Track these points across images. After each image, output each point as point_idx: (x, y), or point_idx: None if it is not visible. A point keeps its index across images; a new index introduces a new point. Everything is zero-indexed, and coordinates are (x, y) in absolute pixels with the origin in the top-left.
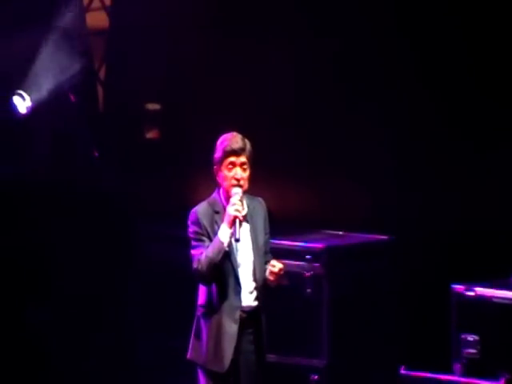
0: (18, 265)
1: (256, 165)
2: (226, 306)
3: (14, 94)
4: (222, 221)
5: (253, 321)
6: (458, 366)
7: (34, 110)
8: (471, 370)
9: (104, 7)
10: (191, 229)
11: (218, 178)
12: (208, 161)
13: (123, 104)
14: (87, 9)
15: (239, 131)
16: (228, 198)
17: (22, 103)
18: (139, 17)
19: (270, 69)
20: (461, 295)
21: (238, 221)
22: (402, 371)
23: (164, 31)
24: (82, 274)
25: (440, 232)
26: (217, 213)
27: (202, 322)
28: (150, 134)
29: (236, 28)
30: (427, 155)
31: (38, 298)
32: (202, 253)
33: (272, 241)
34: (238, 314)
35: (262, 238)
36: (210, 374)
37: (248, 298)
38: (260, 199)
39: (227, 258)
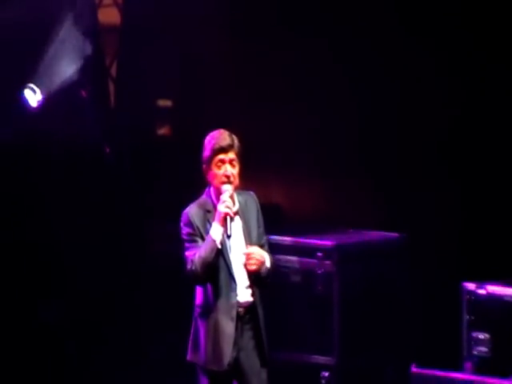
0: (31, 260)
1: (268, 162)
2: (223, 304)
3: (24, 88)
4: (214, 219)
5: (251, 316)
6: (468, 364)
7: (44, 104)
8: (482, 368)
9: (116, 3)
10: (184, 231)
11: (207, 177)
12: None
13: (135, 100)
14: (99, 5)
15: (250, 128)
16: (219, 196)
17: (33, 97)
18: (151, 13)
19: (282, 63)
20: (472, 293)
21: (228, 218)
22: (413, 369)
23: (176, 27)
24: (95, 270)
25: (451, 230)
26: (208, 212)
27: (200, 322)
28: (162, 131)
29: (247, 25)
30: (439, 153)
31: (50, 294)
32: (195, 254)
33: (283, 238)
34: (234, 311)
35: (255, 233)
36: (210, 375)
37: (244, 293)
38: (251, 193)
39: (221, 255)
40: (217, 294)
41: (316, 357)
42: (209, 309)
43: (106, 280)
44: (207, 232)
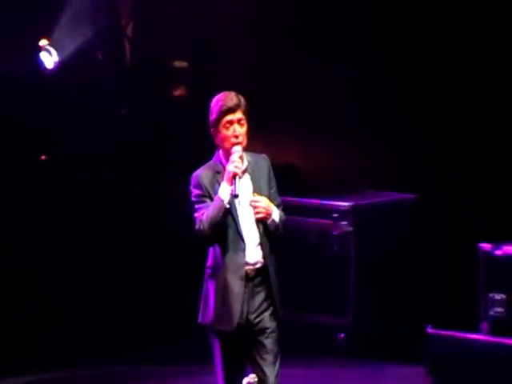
0: (45, 223)
1: (285, 123)
2: (231, 263)
3: (41, 50)
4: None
5: (262, 279)
6: (485, 325)
7: (61, 66)
8: (498, 328)
9: None
10: (193, 192)
11: (216, 140)
12: None
13: (150, 61)
14: None
15: (266, 89)
16: (228, 157)
17: (50, 58)
18: None
19: (295, 24)
20: (488, 254)
21: (237, 177)
22: (429, 330)
23: None
24: (110, 231)
25: (467, 190)
26: (218, 173)
27: (209, 282)
28: (177, 92)
29: None
30: (453, 114)
31: (64, 256)
32: (203, 214)
33: (300, 199)
34: (243, 270)
35: (265, 193)
36: (221, 336)
37: (253, 254)
38: (264, 156)
39: (229, 215)
40: (225, 253)
41: (332, 317)
42: (218, 269)
43: (121, 241)
44: (216, 193)
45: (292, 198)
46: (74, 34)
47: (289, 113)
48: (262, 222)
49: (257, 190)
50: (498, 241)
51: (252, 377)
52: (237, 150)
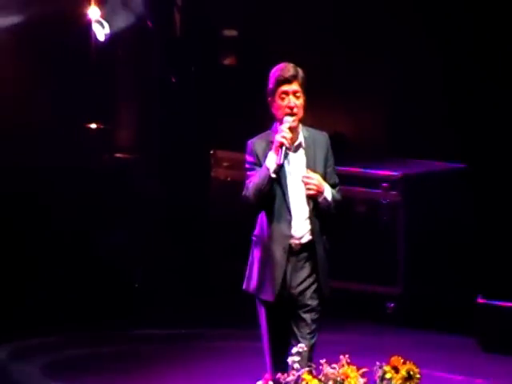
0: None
1: (332, 91)
2: (276, 234)
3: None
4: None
5: (307, 253)
6: None
7: (112, 37)
8: None
9: None
10: (247, 159)
11: (272, 110)
12: None
13: (200, 30)
14: None
15: (315, 58)
16: None
17: (101, 30)
18: None
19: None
20: None
21: (284, 147)
22: (479, 300)
23: None
24: (160, 196)
25: None
26: (271, 142)
27: (255, 250)
28: (227, 61)
29: None
30: (503, 85)
31: (113, 219)
32: (251, 181)
33: (348, 168)
34: (287, 242)
35: (320, 170)
36: (266, 305)
37: (300, 227)
38: (324, 133)
39: (278, 186)
40: (271, 223)
41: (381, 287)
42: (263, 238)
43: (171, 207)
44: None
45: (341, 167)
46: (125, 7)
47: (338, 81)
48: (313, 199)
49: (311, 167)
50: None
51: (301, 346)
52: (287, 121)
